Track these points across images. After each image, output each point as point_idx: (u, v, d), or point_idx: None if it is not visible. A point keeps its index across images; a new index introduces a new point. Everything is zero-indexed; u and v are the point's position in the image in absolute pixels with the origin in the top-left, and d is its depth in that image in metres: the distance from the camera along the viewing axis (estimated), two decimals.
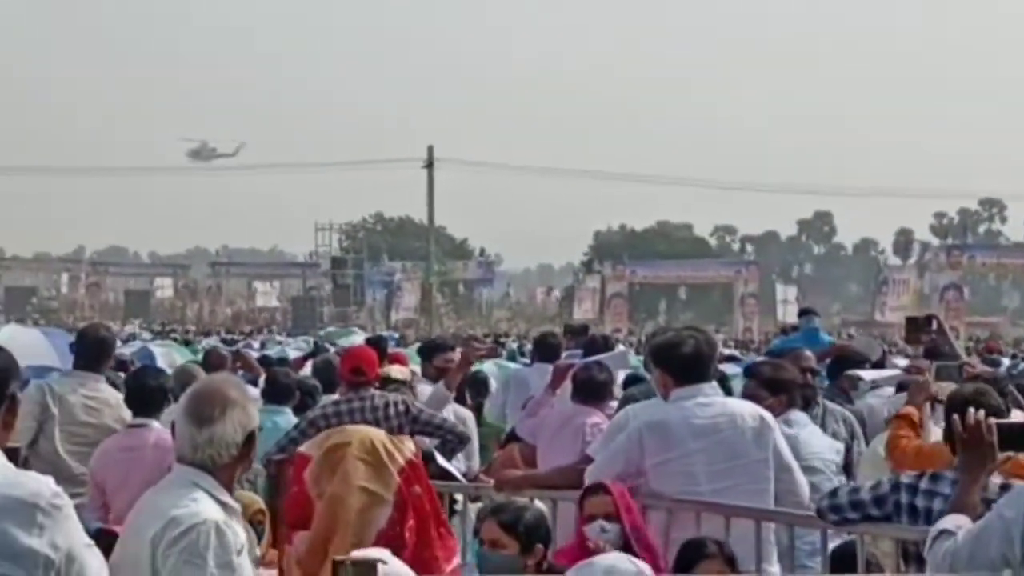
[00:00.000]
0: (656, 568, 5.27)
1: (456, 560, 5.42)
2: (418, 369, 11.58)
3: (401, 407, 8.47)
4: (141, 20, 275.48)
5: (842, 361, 11.04)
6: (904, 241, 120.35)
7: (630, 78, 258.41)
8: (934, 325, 10.72)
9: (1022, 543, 4.63)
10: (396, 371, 9.96)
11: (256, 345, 31.81)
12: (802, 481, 6.82)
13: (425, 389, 10.29)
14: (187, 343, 30.29)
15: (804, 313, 16.55)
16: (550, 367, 10.74)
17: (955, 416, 5.36)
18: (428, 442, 8.34)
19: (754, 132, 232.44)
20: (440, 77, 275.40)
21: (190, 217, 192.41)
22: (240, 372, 13.30)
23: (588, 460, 7.01)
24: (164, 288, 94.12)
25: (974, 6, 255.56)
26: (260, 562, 5.20)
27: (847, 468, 8.50)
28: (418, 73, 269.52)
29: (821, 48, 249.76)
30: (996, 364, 17.83)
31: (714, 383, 6.87)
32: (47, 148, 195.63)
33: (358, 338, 23.18)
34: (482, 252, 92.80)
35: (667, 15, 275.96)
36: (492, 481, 7.86)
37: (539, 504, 6.85)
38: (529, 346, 19.96)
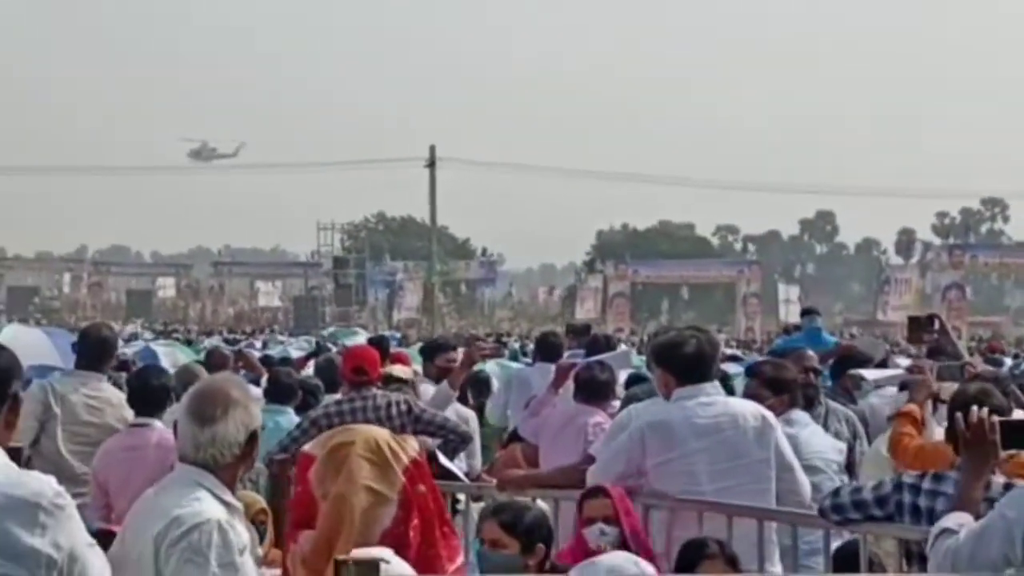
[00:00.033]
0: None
1: (460, 559, 5.42)
2: (420, 369, 11.58)
3: (403, 407, 8.47)
4: (142, 20, 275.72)
5: (845, 361, 11.04)
6: (906, 241, 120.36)
7: (632, 78, 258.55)
8: (936, 325, 10.72)
9: (1023, 544, 4.63)
10: (398, 370, 9.95)
11: (258, 345, 31.81)
12: (804, 481, 6.82)
13: (428, 389, 10.29)
14: (189, 343, 30.29)
15: (806, 313, 16.55)
16: (552, 367, 10.73)
17: (958, 414, 5.36)
18: (430, 442, 8.34)
19: (756, 132, 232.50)
20: (442, 77, 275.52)
21: (192, 217, 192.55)
22: (242, 372, 13.29)
23: (590, 460, 7.02)
24: (166, 288, 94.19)
25: (974, 6, 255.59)
26: (262, 562, 5.20)
27: (849, 468, 8.50)
28: (420, 73, 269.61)
29: (824, 48, 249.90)
30: (998, 364, 17.83)
31: (716, 383, 6.87)
32: (49, 148, 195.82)
33: (361, 338, 23.16)
34: (484, 252, 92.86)
35: (667, 15, 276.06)
36: (494, 481, 7.87)
37: (541, 504, 6.85)
38: (531, 346, 19.93)
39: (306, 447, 5.66)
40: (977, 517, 4.98)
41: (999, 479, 5.37)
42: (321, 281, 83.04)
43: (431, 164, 71.65)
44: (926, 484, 5.56)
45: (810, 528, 6.56)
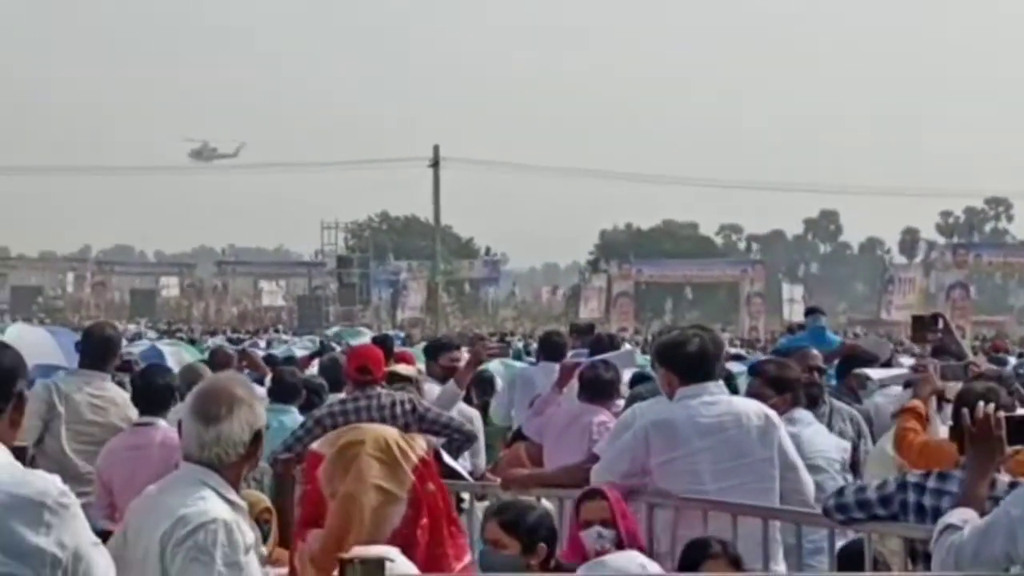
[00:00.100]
0: None
1: (467, 558, 5.42)
2: (423, 368, 11.58)
3: (408, 406, 8.48)
4: (143, 20, 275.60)
5: (851, 360, 11.02)
6: (910, 240, 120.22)
7: (635, 77, 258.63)
8: (940, 324, 10.69)
9: None
10: (403, 369, 9.97)
11: (262, 344, 31.81)
12: (807, 480, 6.81)
13: (433, 388, 10.29)
14: (192, 342, 30.28)
15: (811, 312, 16.51)
16: (555, 366, 10.74)
17: (964, 409, 5.36)
18: (434, 440, 8.34)
19: (760, 132, 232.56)
20: (446, 77, 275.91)
21: (196, 217, 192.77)
22: (246, 371, 13.29)
23: (595, 459, 7.02)
24: (170, 287, 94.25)
25: (976, 6, 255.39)
26: (267, 561, 5.20)
27: (854, 467, 8.50)
28: (424, 73, 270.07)
29: (829, 47, 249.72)
30: (1003, 363, 17.79)
31: (720, 382, 6.87)
32: (52, 148, 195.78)
33: (366, 338, 23.17)
34: (488, 251, 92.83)
35: (669, 15, 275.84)
36: (498, 480, 7.87)
37: (546, 503, 6.85)
38: (535, 345, 19.92)
39: (314, 445, 5.65)
40: (982, 514, 4.98)
41: (1004, 477, 5.36)
42: (325, 280, 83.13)
43: (435, 164, 71.66)
44: (931, 483, 5.55)
45: (814, 527, 6.56)
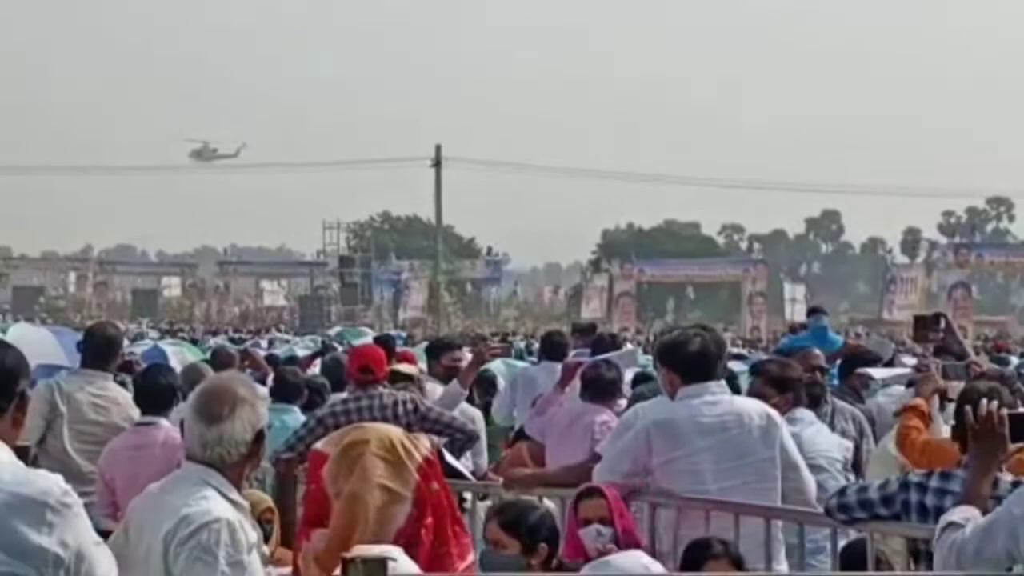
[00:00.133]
0: None
1: (471, 557, 5.41)
2: (425, 368, 11.58)
3: (410, 405, 8.48)
4: (144, 19, 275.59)
5: (853, 360, 11.02)
6: (912, 240, 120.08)
7: (637, 77, 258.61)
8: (942, 323, 10.69)
9: None
10: (404, 367, 9.97)
11: (264, 344, 31.81)
12: (809, 479, 6.81)
13: (435, 388, 10.28)
14: (194, 342, 30.28)
15: (813, 312, 16.49)
16: (557, 365, 10.75)
17: (967, 407, 5.36)
18: (436, 440, 8.34)
19: (762, 131, 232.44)
20: (447, 76, 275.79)
21: (198, 216, 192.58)
22: (248, 371, 13.30)
23: (597, 458, 7.04)
24: (172, 287, 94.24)
25: (978, 5, 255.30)
26: (269, 560, 5.20)
27: (856, 466, 8.50)
28: (426, 73, 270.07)
29: (830, 46, 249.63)
30: (1005, 363, 17.81)
31: (722, 382, 6.87)
32: (54, 148, 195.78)
33: (368, 338, 23.18)
34: (489, 251, 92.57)
35: (669, 14, 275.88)
36: (501, 479, 7.87)
37: (548, 503, 6.85)
38: (537, 345, 19.93)
39: (318, 445, 5.64)
40: (984, 512, 4.98)
41: (1007, 476, 5.37)
42: (327, 280, 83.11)
43: (437, 164, 71.66)
44: (933, 483, 5.55)
45: (816, 527, 6.56)
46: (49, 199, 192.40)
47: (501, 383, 13.87)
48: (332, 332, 39.01)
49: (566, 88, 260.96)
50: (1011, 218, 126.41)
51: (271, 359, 16.15)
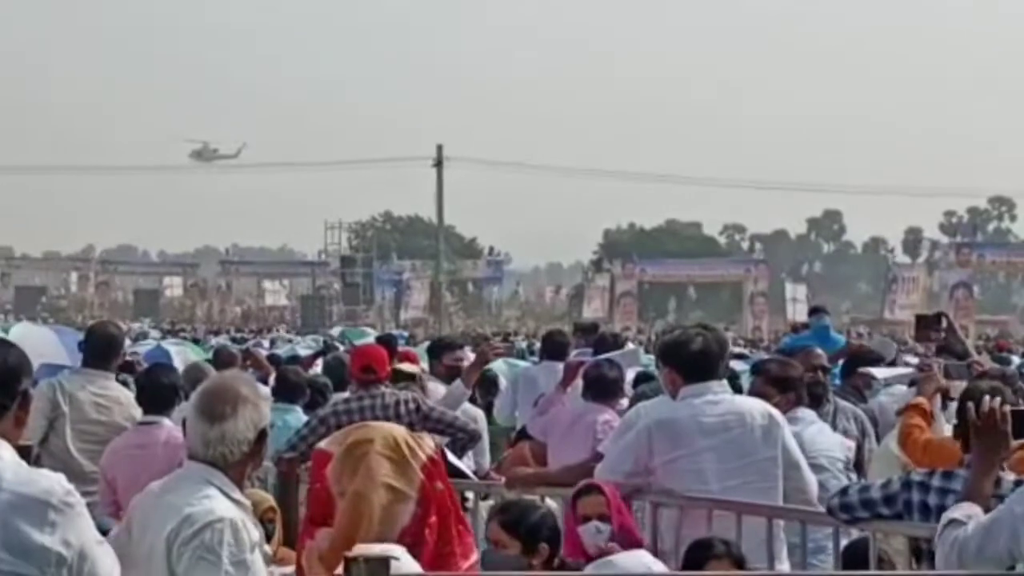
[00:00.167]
0: None
1: (474, 556, 5.41)
2: (427, 368, 11.58)
3: (412, 405, 8.48)
4: (144, 19, 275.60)
5: (856, 359, 11.02)
6: (913, 239, 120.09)
7: (638, 77, 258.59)
8: (943, 323, 10.69)
9: None
10: (406, 366, 9.97)
11: (266, 344, 31.82)
12: (811, 479, 6.81)
13: (438, 388, 10.28)
14: (196, 341, 30.29)
15: (815, 311, 16.50)
16: (558, 365, 10.76)
17: (970, 403, 5.36)
18: (438, 439, 8.34)
19: (763, 131, 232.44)
20: (449, 76, 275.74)
21: (199, 216, 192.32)
22: (250, 370, 13.30)
23: (599, 458, 7.04)
24: (173, 287, 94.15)
25: (978, 5, 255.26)
26: (272, 560, 5.20)
27: (858, 466, 8.50)
28: (427, 72, 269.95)
29: (830, 46, 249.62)
30: (1006, 362, 17.83)
31: (723, 381, 6.87)
32: (56, 148, 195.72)
33: (371, 338, 23.21)
34: (491, 251, 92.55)
35: (673, 14, 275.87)
36: (503, 479, 7.87)
37: (550, 502, 6.86)
38: (538, 345, 19.95)
39: (322, 444, 5.64)
40: (986, 509, 4.99)
41: (1009, 476, 5.37)
42: (328, 280, 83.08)
43: (438, 163, 71.62)
44: (935, 482, 5.55)
45: (818, 526, 6.56)
46: (51, 199, 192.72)
47: (503, 383, 13.86)
48: (334, 332, 39.01)
49: (567, 88, 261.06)
50: (1012, 218, 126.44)
51: (273, 359, 16.15)
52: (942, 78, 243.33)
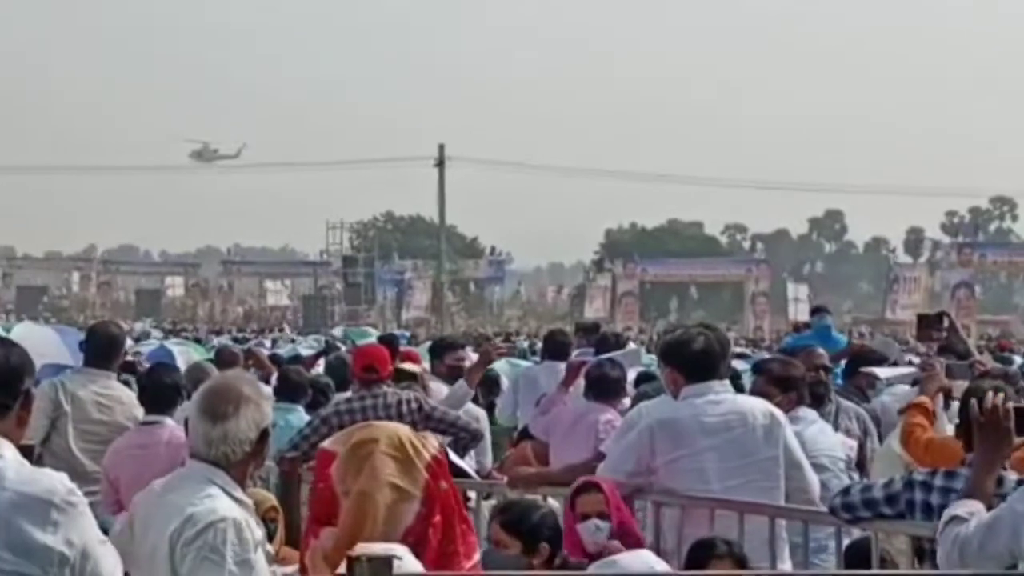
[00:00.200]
0: None
1: (476, 556, 5.42)
2: (428, 367, 11.58)
3: (414, 404, 8.49)
4: (146, 19, 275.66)
5: (858, 359, 11.01)
6: (915, 239, 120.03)
7: (640, 76, 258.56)
8: (945, 322, 10.68)
9: None
10: (408, 365, 9.97)
11: (268, 344, 31.80)
12: (812, 478, 6.82)
13: (440, 388, 10.28)
14: (198, 341, 30.29)
15: (816, 311, 16.50)
16: (559, 365, 10.76)
17: (973, 400, 5.36)
18: (440, 439, 8.35)
19: (765, 131, 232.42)
20: (451, 76, 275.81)
21: (201, 216, 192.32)
22: (252, 370, 13.29)
23: (601, 457, 7.04)
24: (175, 287, 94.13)
25: (979, 5, 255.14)
26: (274, 559, 5.21)
27: (860, 466, 8.50)
28: (429, 72, 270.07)
29: (831, 46, 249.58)
30: (1008, 362, 17.83)
31: (725, 381, 6.87)
32: (57, 148, 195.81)
33: (373, 338, 23.22)
34: (493, 251, 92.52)
35: (668, 13, 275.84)
36: (505, 478, 7.87)
37: (552, 502, 6.86)
38: (540, 345, 19.96)
39: (326, 443, 5.65)
40: (988, 506, 4.99)
41: (1012, 475, 5.37)
42: (330, 280, 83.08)
43: (440, 163, 71.63)
44: (938, 481, 5.55)
45: (819, 525, 6.56)
46: (52, 199, 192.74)
47: (505, 383, 13.87)
48: (337, 332, 38.99)
49: (568, 88, 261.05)
50: (1014, 218, 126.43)
51: (275, 358, 16.15)
52: (943, 78, 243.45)
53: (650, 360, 12.80)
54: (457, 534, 5.31)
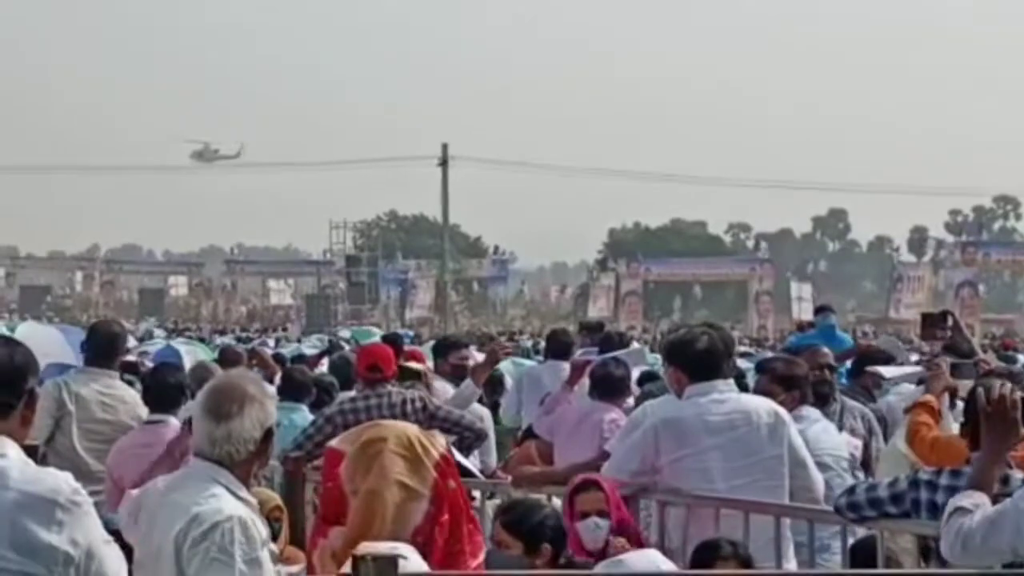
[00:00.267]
0: None
1: (482, 556, 5.42)
2: (432, 366, 11.57)
3: (419, 404, 8.47)
4: (146, 19, 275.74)
5: (865, 359, 10.99)
6: (919, 238, 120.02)
7: (641, 76, 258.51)
8: (949, 321, 10.68)
9: None
10: (412, 364, 9.96)
11: (271, 343, 31.82)
12: (817, 477, 6.82)
13: (445, 387, 10.27)
14: (201, 340, 30.31)
15: (821, 310, 16.50)
16: (562, 364, 10.76)
17: (979, 389, 5.34)
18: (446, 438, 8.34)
19: (768, 130, 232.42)
20: (454, 75, 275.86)
21: (204, 216, 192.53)
22: (256, 369, 13.29)
23: (606, 456, 7.02)
24: (178, 286, 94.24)
25: (979, 4, 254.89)
26: (278, 559, 5.20)
27: (865, 465, 8.49)
28: (432, 72, 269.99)
29: (831, 45, 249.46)
30: (1012, 361, 17.84)
31: (729, 380, 6.86)
32: (60, 148, 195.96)
33: (377, 338, 23.24)
34: (496, 250, 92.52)
35: (668, 13, 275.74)
36: (509, 478, 7.87)
37: (557, 501, 6.85)
38: (544, 344, 19.98)
39: (334, 443, 5.65)
40: (993, 499, 4.99)
41: (1017, 474, 5.36)
42: (333, 279, 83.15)
43: (443, 163, 71.66)
44: (943, 480, 5.54)
45: (824, 524, 6.55)
46: (55, 199, 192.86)
47: (508, 382, 13.87)
48: (345, 334, 38.99)
49: (571, 88, 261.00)
50: (1018, 216, 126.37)
51: (278, 358, 16.16)
52: (944, 77, 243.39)
53: (654, 359, 12.80)
54: (464, 533, 5.31)
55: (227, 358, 13.53)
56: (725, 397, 6.69)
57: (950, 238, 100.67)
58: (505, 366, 14.82)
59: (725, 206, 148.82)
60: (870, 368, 10.36)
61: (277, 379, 11.65)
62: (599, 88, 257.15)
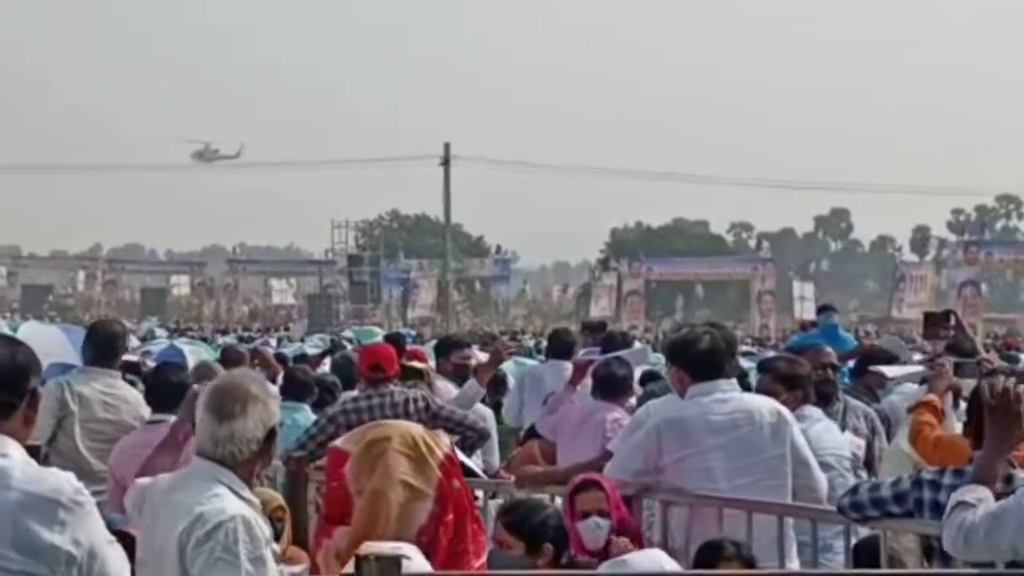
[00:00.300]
0: None
1: (485, 556, 5.42)
2: (434, 366, 11.56)
3: (421, 403, 8.47)
4: (146, 19, 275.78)
5: (868, 359, 10.98)
6: (921, 238, 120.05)
7: (641, 76, 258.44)
8: (952, 321, 10.66)
9: None
10: (415, 363, 9.95)
11: (273, 343, 31.80)
12: (820, 477, 6.82)
13: (448, 387, 10.26)
14: (203, 340, 30.29)
15: (823, 309, 16.49)
16: (564, 364, 10.75)
17: (984, 383, 5.34)
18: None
19: (770, 130, 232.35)
20: (456, 75, 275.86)
21: (206, 215, 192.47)
22: (258, 369, 13.28)
23: (609, 456, 7.02)
24: (180, 286, 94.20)
25: (980, 4, 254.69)
26: (281, 559, 5.20)
27: (868, 464, 8.48)
28: (435, 71, 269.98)
29: (832, 45, 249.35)
30: (1015, 360, 17.82)
31: (732, 380, 6.86)
32: (62, 147, 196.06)
33: (379, 338, 23.23)
34: (498, 249, 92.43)
35: (668, 13, 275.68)
36: (512, 478, 7.86)
37: (560, 501, 6.84)
38: (546, 343, 19.97)
39: (338, 443, 5.65)
40: (997, 496, 4.98)
41: (1020, 473, 5.35)
42: (335, 279, 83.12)
43: (445, 162, 71.67)
44: (946, 480, 5.54)
45: (827, 524, 6.55)
46: (57, 198, 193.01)
47: (511, 381, 13.86)
48: (348, 334, 38.96)
49: (571, 87, 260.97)
50: (1020, 216, 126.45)
51: (280, 357, 16.15)
52: (946, 77, 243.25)
53: (657, 359, 12.79)
54: (468, 533, 5.31)
55: (229, 358, 13.52)
56: (728, 397, 6.69)
57: (952, 237, 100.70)
58: (507, 366, 14.80)
59: (727, 206, 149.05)
60: (873, 368, 10.35)
61: (279, 379, 11.63)
62: (600, 88, 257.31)
